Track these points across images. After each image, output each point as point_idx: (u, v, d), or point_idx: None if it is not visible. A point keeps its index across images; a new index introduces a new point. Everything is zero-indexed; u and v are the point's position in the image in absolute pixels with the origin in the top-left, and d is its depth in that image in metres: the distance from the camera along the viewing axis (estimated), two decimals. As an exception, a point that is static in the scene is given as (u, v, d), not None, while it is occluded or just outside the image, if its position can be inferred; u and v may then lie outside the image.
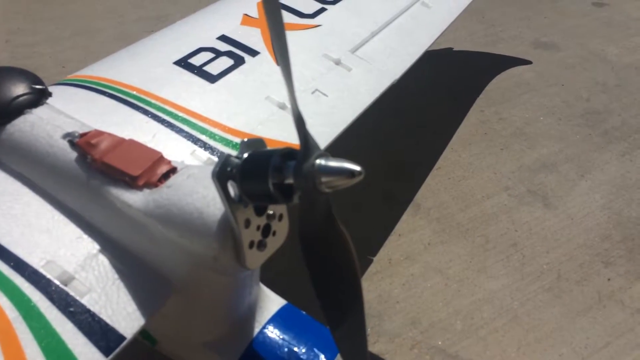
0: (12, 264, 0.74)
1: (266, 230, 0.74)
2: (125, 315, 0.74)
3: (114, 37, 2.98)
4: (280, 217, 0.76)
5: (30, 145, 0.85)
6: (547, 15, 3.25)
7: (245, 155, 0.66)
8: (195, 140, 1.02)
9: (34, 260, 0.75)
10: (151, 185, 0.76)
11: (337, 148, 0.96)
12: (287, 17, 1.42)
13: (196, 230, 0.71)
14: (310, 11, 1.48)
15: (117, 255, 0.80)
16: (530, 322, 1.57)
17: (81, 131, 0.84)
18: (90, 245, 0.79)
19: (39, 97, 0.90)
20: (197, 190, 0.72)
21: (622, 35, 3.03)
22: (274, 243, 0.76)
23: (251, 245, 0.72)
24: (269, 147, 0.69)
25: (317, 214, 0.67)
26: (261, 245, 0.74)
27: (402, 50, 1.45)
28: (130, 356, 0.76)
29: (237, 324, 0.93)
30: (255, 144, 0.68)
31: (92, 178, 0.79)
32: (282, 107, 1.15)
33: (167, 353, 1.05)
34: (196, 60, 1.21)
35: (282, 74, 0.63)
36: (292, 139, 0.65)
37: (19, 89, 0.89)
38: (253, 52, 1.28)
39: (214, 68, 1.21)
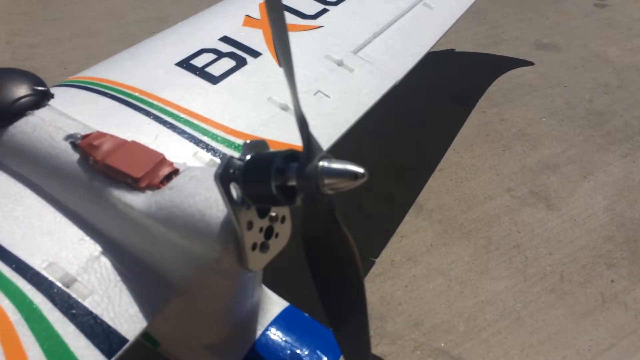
0: (14, 266, 0.74)
1: (269, 232, 0.74)
2: (127, 318, 0.74)
3: (116, 38, 2.98)
4: (283, 219, 0.76)
5: (32, 147, 0.85)
6: (548, 16, 3.25)
7: (248, 157, 0.66)
8: (198, 142, 1.02)
9: (36, 262, 0.75)
10: (153, 187, 0.76)
11: (339, 149, 0.96)
12: (289, 18, 1.42)
13: (198, 232, 0.71)
14: (312, 12, 1.48)
15: (119, 257, 0.79)
16: (534, 324, 1.56)
17: (83, 133, 0.83)
18: (92, 248, 0.79)
19: (41, 98, 0.90)
20: (199, 192, 0.72)
21: (623, 36, 3.02)
22: (276, 245, 0.76)
23: (254, 247, 0.72)
24: (271, 149, 0.69)
25: (320, 216, 0.67)
26: (264, 247, 0.74)
27: (404, 51, 1.45)
28: (132, 358, 0.76)
29: (239, 326, 0.93)
30: (257, 146, 0.68)
31: (94, 180, 0.79)
32: (284, 108, 1.15)
33: (169, 355, 1.05)
34: (198, 62, 1.22)
35: (285, 75, 0.63)
36: (294, 140, 0.65)
37: (21, 91, 0.89)
38: (255, 53, 1.28)
39: (216, 69, 1.21)
